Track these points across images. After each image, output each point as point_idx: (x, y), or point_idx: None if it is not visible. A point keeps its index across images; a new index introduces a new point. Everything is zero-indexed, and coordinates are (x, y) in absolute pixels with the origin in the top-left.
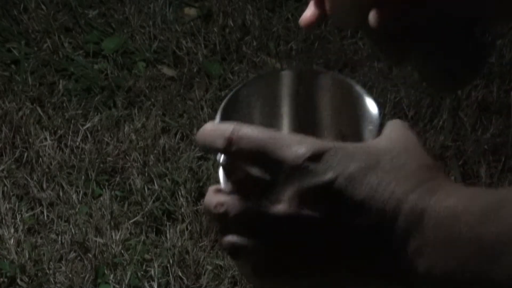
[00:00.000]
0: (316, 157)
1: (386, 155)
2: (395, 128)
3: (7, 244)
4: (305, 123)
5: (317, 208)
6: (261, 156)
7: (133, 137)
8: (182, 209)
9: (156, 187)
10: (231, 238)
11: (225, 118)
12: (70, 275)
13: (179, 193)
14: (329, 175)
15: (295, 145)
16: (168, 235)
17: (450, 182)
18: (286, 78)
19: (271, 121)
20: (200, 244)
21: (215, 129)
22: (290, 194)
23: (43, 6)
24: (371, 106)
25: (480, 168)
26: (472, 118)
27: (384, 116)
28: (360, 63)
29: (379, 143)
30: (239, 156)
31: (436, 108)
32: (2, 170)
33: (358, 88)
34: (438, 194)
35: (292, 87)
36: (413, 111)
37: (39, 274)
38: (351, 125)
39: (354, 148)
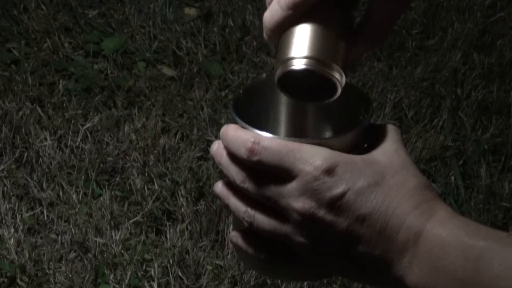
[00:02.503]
0: (330, 170)
1: (389, 172)
2: (390, 139)
3: (7, 244)
4: (302, 121)
5: (329, 213)
6: (281, 168)
7: (133, 137)
8: (182, 209)
9: (156, 187)
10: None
11: (238, 115)
12: (70, 275)
13: (179, 193)
14: (341, 188)
15: (311, 158)
16: (168, 235)
17: (442, 204)
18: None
19: (273, 121)
20: (200, 244)
21: (237, 137)
22: (307, 198)
23: (43, 6)
24: (363, 101)
25: (480, 168)
26: (472, 118)
27: (384, 117)
28: (360, 63)
29: (381, 157)
30: (260, 165)
31: (436, 108)
32: (2, 170)
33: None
34: (433, 219)
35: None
36: (413, 111)
37: (39, 274)
38: (343, 123)
39: (361, 162)
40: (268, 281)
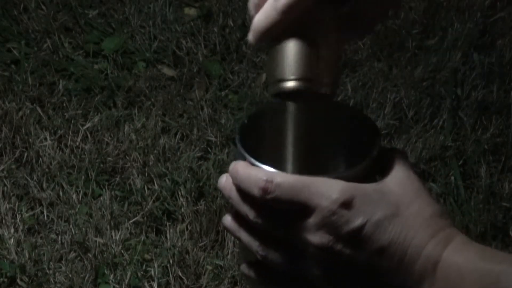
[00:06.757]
0: (348, 203)
1: (404, 201)
2: (400, 165)
3: (7, 244)
4: (310, 151)
5: (347, 246)
6: (296, 204)
7: (133, 137)
8: (182, 209)
9: (156, 187)
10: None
11: (244, 147)
12: (70, 275)
13: (179, 193)
14: (359, 221)
15: (327, 191)
16: (168, 235)
17: (457, 231)
18: (291, 107)
19: (280, 149)
20: (200, 244)
21: (248, 175)
22: (325, 233)
23: (43, 6)
24: (372, 130)
25: (480, 168)
26: (472, 118)
27: (384, 117)
28: (360, 63)
29: (394, 187)
30: (275, 203)
31: (436, 108)
32: (2, 170)
33: (356, 112)
34: (449, 247)
35: (296, 117)
36: (413, 111)
37: (39, 274)
38: (353, 149)
39: (376, 193)
40: None
